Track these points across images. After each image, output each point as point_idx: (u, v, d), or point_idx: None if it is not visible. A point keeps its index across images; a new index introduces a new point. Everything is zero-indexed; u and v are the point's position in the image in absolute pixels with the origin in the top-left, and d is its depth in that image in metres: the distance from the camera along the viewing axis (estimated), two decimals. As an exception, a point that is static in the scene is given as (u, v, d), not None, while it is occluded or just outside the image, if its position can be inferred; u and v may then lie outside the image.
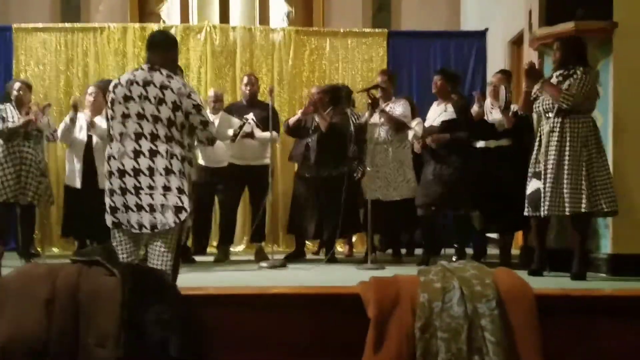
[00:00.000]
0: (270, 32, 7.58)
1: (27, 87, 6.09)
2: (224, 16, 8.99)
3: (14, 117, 5.80)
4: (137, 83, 3.43)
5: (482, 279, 1.85)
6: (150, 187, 3.35)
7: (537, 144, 4.85)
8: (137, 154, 3.37)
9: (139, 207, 3.36)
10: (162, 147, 3.37)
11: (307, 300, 2.07)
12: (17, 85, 5.99)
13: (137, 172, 3.36)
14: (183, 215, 3.38)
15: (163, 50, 3.61)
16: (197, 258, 6.15)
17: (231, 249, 6.61)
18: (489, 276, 1.88)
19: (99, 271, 1.97)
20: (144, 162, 3.36)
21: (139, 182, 3.35)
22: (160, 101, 3.39)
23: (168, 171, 3.36)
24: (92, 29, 7.38)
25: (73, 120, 5.89)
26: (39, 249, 6.56)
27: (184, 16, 9.04)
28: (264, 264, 5.65)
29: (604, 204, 4.61)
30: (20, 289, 1.89)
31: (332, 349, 2.01)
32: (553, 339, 1.89)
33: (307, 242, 6.45)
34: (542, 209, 4.65)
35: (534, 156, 4.86)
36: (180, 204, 3.37)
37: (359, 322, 1.94)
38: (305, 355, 2.02)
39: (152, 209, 3.35)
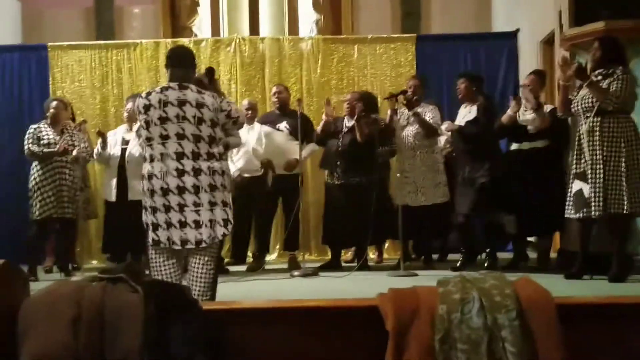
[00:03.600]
0: (298, 41, 7.63)
1: (64, 104, 6.20)
2: (254, 28, 9.12)
3: (48, 135, 5.92)
4: (172, 104, 3.45)
5: (502, 289, 1.83)
6: (196, 204, 3.42)
7: (576, 144, 4.76)
8: (180, 172, 3.42)
9: (183, 224, 3.42)
10: (204, 165, 3.45)
11: (326, 313, 2.08)
12: (53, 103, 6.12)
13: (181, 190, 3.42)
14: (229, 228, 3.52)
15: (189, 65, 3.65)
16: (234, 267, 6.21)
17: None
18: (509, 286, 1.86)
19: (123, 288, 2.01)
20: (188, 180, 3.42)
21: (184, 200, 3.42)
22: (200, 120, 3.45)
23: (212, 187, 3.45)
24: (126, 45, 7.55)
25: (104, 148, 6.01)
26: (77, 263, 6.68)
27: (215, 29, 9.19)
28: (296, 273, 5.67)
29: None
30: (47, 308, 1.93)
31: (355, 361, 2.01)
32: (576, 348, 1.86)
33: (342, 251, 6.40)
34: (587, 210, 4.56)
35: (574, 157, 4.77)
36: (226, 217, 3.50)
37: (379, 335, 1.94)
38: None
39: (197, 225, 3.42)
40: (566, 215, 4.83)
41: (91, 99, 7.41)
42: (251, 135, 6.18)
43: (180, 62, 3.63)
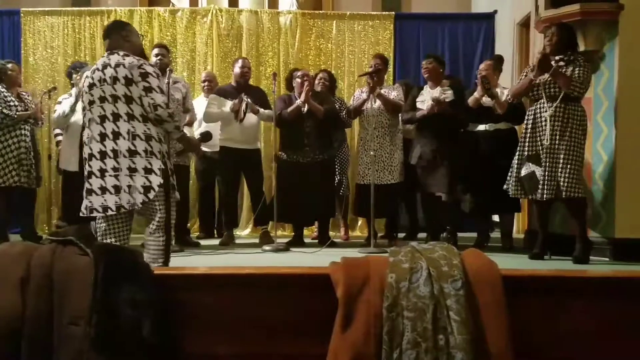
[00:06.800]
0: (276, 15, 7.55)
1: (19, 68, 6.13)
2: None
3: (13, 100, 5.83)
4: (98, 69, 3.50)
5: (450, 259, 1.85)
6: (115, 169, 3.39)
7: (530, 127, 4.80)
8: (102, 136, 3.42)
9: (104, 190, 3.41)
10: (123, 128, 3.39)
11: (279, 280, 2.08)
12: (10, 65, 6.01)
13: (103, 154, 3.40)
14: (152, 194, 3.41)
15: (116, 34, 3.65)
16: (205, 242, 6.19)
17: (237, 232, 6.65)
18: (456, 257, 1.88)
19: (72, 251, 1.99)
20: (109, 145, 3.40)
21: (105, 164, 3.40)
22: (115, 79, 3.42)
23: (132, 152, 3.39)
24: (99, 13, 7.43)
25: (73, 109, 5.89)
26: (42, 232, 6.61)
27: (194, 0, 9.04)
28: (267, 247, 5.67)
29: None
30: (-5, 268, 1.92)
31: (306, 328, 2.02)
32: (521, 319, 1.89)
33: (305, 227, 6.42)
34: (540, 192, 4.62)
35: (526, 139, 4.81)
36: (147, 184, 3.41)
37: (331, 301, 1.95)
38: (279, 335, 2.03)
39: (117, 190, 3.39)
40: (511, 195, 4.90)
41: (63, 66, 7.29)
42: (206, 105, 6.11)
43: (109, 33, 3.67)
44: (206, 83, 6.37)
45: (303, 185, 5.85)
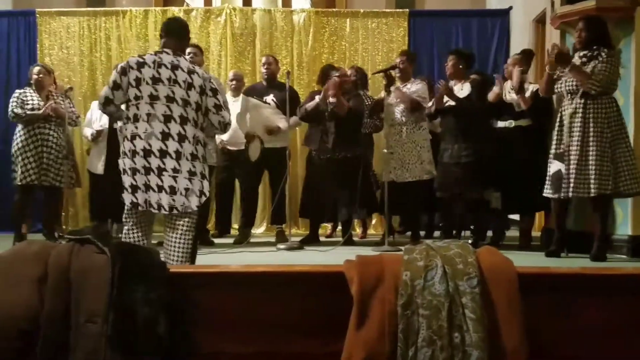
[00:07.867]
0: (289, 14, 7.56)
1: (47, 71, 6.15)
2: (247, -1, 9.00)
3: (33, 100, 5.88)
4: (165, 66, 3.45)
5: (465, 257, 1.84)
6: (175, 170, 3.40)
7: (557, 125, 4.77)
8: (165, 136, 3.40)
9: (160, 188, 3.40)
10: (190, 132, 3.43)
11: (293, 278, 2.09)
12: (36, 69, 6.07)
13: (163, 153, 3.39)
14: (203, 199, 3.49)
15: (181, 37, 3.67)
16: (220, 240, 6.21)
17: (252, 230, 6.66)
18: (472, 255, 1.87)
19: (89, 249, 2.01)
20: (172, 145, 3.40)
21: (164, 164, 3.40)
22: (190, 85, 3.44)
23: (194, 157, 3.45)
24: (115, 13, 7.48)
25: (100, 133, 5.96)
26: (62, 231, 6.67)
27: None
28: (281, 246, 5.68)
29: (626, 185, 4.56)
30: (12, 267, 1.93)
31: (320, 326, 2.02)
32: (535, 316, 1.89)
33: (321, 225, 6.41)
34: (564, 190, 4.58)
35: (555, 137, 4.78)
36: (202, 189, 3.47)
37: (346, 300, 1.95)
38: (293, 333, 2.04)
39: (172, 191, 3.40)
40: (544, 194, 4.86)
41: (79, 67, 7.36)
42: (236, 106, 6.15)
43: (175, 33, 3.65)
44: (234, 82, 6.34)
45: (321, 183, 5.84)
